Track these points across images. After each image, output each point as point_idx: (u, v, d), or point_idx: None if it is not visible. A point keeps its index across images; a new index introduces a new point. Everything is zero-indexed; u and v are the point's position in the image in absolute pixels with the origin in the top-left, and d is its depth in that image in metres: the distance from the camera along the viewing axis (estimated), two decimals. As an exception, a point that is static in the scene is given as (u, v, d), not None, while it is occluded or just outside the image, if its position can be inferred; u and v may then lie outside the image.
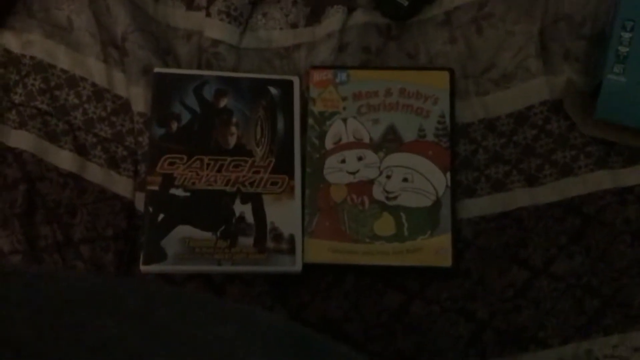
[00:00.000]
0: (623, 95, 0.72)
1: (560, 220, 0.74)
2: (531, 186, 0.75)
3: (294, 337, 0.52)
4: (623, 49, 0.73)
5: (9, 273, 0.51)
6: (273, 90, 0.78)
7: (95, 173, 0.77)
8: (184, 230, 0.72)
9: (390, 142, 0.76)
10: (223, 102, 0.77)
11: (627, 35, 0.73)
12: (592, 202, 0.74)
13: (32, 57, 0.80)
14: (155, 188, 0.73)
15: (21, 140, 0.77)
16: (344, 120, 0.77)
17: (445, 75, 0.78)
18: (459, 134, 0.78)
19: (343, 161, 0.76)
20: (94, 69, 0.80)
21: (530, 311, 0.72)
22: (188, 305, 0.51)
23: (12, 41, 0.81)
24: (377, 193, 0.75)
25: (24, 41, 0.80)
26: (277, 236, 0.73)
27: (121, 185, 0.77)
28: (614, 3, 0.77)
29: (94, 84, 0.80)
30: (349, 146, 0.77)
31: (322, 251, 0.74)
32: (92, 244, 0.75)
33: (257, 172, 0.75)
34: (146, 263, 0.71)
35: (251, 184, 0.74)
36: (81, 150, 0.78)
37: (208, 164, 0.74)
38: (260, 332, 0.50)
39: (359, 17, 0.82)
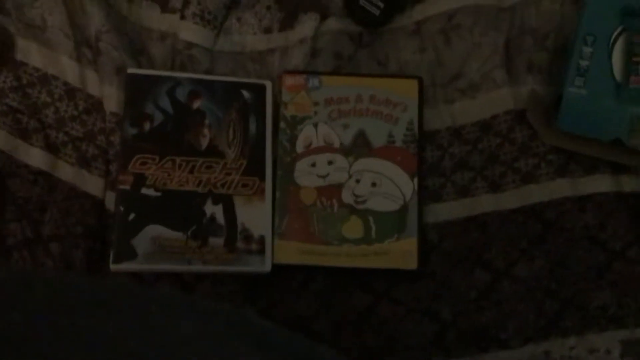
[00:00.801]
0: (583, 107, 0.75)
1: (522, 225, 0.77)
2: (495, 192, 0.78)
3: (282, 335, 0.54)
4: (584, 63, 0.76)
5: (3, 275, 0.51)
6: (246, 93, 0.79)
7: (66, 171, 0.78)
8: (154, 230, 0.72)
9: (360, 147, 0.78)
10: (196, 104, 0.78)
11: (587, 50, 0.76)
12: (552, 209, 0.77)
13: (4, 54, 0.80)
14: (127, 187, 0.74)
15: (-9, 137, 0.77)
16: (315, 125, 0.79)
17: (414, 83, 0.80)
18: (426, 141, 0.80)
19: (313, 165, 0.78)
20: (67, 68, 0.80)
21: (492, 312, 0.74)
22: (178, 305, 0.53)
23: (-17, 38, 0.80)
24: (346, 197, 0.77)
25: (-4, 38, 0.80)
26: (248, 237, 0.74)
27: (92, 183, 0.77)
28: (576, 18, 0.80)
29: (66, 83, 0.80)
30: (320, 150, 0.78)
31: (292, 252, 0.75)
32: (62, 241, 0.75)
33: (229, 174, 0.76)
34: (116, 262, 0.71)
35: (223, 185, 0.75)
36: (52, 148, 0.78)
37: (180, 165, 0.75)
38: (249, 331, 0.52)
39: (332, 24, 0.83)
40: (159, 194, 0.74)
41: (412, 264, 0.75)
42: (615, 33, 0.76)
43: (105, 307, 0.50)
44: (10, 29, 0.81)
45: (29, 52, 0.80)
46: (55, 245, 0.74)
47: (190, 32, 0.82)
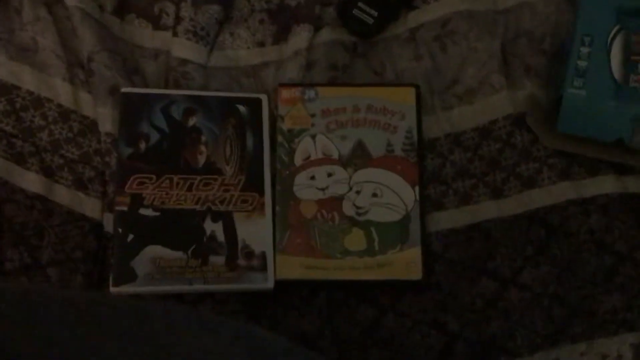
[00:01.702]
0: (583, 108, 0.75)
1: (526, 231, 0.76)
2: (497, 198, 0.77)
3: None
4: (582, 63, 0.75)
5: (2, 291, 0.50)
6: (242, 108, 0.79)
7: (63, 194, 0.77)
8: (154, 250, 0.71)
9: (359, 157, 0.77)
10: (192, 121, 0.77)
11: (585, 50, 0.75)
12: (556, 213, 0.76)
13: (-4, 79, 0.79)
14: (124, 208, 0.73)
15: (-14, 162, 0.76)
16: (313, 137, 0.78)
17: (411, 91, 0.79)
18: (426, 149, 0.79)
19: (312, 177, 0.77)
20: (60, 90, 0.80)
21: (500, 321, 0.73)
22: (180, 320, 0.52)
23: (-25, 63, 0.80)
24: (347, 208, 0.76)
25: (-12, 63, 0.80)
26: (249, 254, 0.73)
27: (89, 206, 0.76)
28: (572, 19, 0.80)
29: (60, 105, 0.79)
30: (318, 162, 0.77)
31: (294, 267, 0.74)
32: (60, 266, 0.74)
33: (227, 190, 0.75)
34: (116, 284, 0.70)
35: (221, 202, 0.74)
36: (48, 172, 0.77)
37: (178, 183, 0.74)
38: (256, 345, 0.51)
39: (326, 35, 0.83)
40: (157, 213, 0.73)
41: (416, 274, 0.74)
42: (612, 32, 0.76)
43: (107, 326, 0.49)
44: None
45: (21, 75, 0.80)
46: (54, 270, 0.73)
47: (183, 48, 0.81)
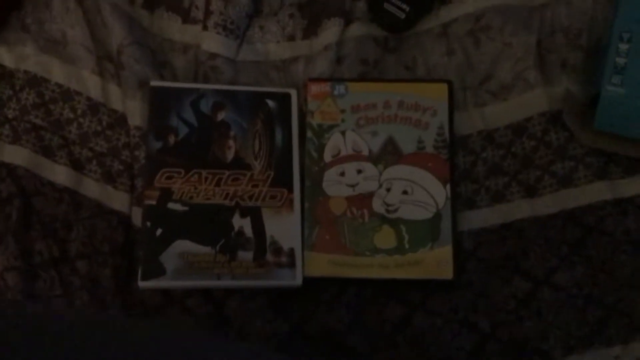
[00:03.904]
0: (622, 106, 0.72)
1: (561, 231, 0.74)
2: (531, 197, 0.75)
3: None
4: (621, 60, 0.73)
5: (7, 314, 0.49)
6: (271, 103, 0.78)
7: (91, 188, 0.76)
8: (182, 245, 0.71)
9: (389, 154, 0.76)
10: (221, 116, 0.76)
11: (624, 47, 0.73)
12: (592, 213, 0.74)
13: (26, 72, 0.79)
14: (153, 202, 0.72)
15: (15, 155, 0.76)
16: (343, 133, 0.77)
17: (444, 87, 0.78)
18: (458, 146, 0.77)
19: (342, 174, 0.76)
20: (89, 83, 0.79)
21: (533, 322, 0.71)
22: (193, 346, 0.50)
23: (5, 55, 0.80)
24: (377, 206, 0.74)
25: (18, 55, 0.80)
26: (277, 250, 0.72)
27: (117, 199, 0.76)
28: (610, 14, 0.78)
29: (89, 98, 0.79)
30: (348, 159, 0.76)
31: (323, 264, 0.73)
32: (89, 259, 0.73)
33: (256, 186, 0.74)
34: (144, 279, 0.69)
35: (250, 197, 0.74)
36: (76, 165, 0.77)
37: (206, 178, 0.74)
38: None
39: (356, 29, 0.81)
40: (186, 208, 0.72)
41: (447, 273, 0.72)
42: (652, 29, 0.74)
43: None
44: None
45: (50, 68, 0.79)
46: (82, 263, 0.73)
47: (212, 42, 0.80)
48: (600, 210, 0.74)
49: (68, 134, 0.78)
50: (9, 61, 0.79)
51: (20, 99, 0.78)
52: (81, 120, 0.78)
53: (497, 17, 0.80)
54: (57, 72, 0.79)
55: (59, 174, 0.76)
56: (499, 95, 0.78)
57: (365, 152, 0.76)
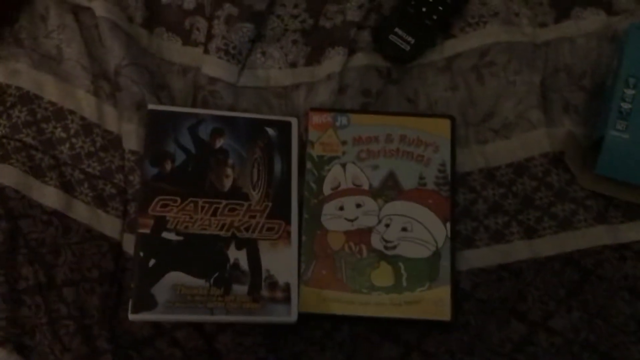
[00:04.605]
0: (625, 151, 0.72)
1: (559, 274, 0.73)
2: (530, 238, 0.75)
3: None
4: (626, 106, 0.73)
5: None
6: (271, 131, 0.76)
7: (81, 211, 0.74)
8: (175, 277, 0.69)
9: (389, 189, 0.75)
10: (219, 143, 0.74)
11: (630, 92, 0.73)
12: (590, 257, 0.74)
13: (18, 88, 0.76)
14: (147, 231, 0.70)
15: (4, 174, 0.73)
16: (343, 166, 0.76)
17: (447, 122, 0.77)
18: (458, 183, 0.76)
19: (341, 208, 0.74)
20: (84, 102, 0.77)
21: (529, 367, 0.71)
22: None
23: (-4, 70, 0.77)
24: (376, 242, 0.73)
25: (10, 70, 0.77)
26: (272, 284, 0.70)
27: (108, 225, 0.74)
28: (614, 57, 0.78)
29: (82, 118, 0.77)
30: (348, 192, 0.75)
31: (318, 301, 0.71)
32: (77, 286, 0.71)
33: (253, 217, 0.72)
34: (135, 311, 0.67)
35: (247, 229, 0.72)
36: (67, 187, 0.74)
37: (202, 207, 0.72)
38: None
39: (360, 59, 0.80)
40: (180, 238, 0.70)
41: (445, 314, 0.71)
42: (658, 74, 0.74)
43: None
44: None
45: (43, 85, 0.77)
46: (69, 290, 0.71)
47: (213, 66, 0.78)
48: (599, 254, 0.74)
49: (60, 154, 0.75)
50: (0, 76, 0.77)
51: (11, 116, 0.76)
52: (74, 140, 0.76)
53: (501, 54, 0.80)
54: (50, 90, 0.77)
55: (49, 195, 0.73)
56: (501, 133, 0.78)
57: (366, 186, 0.75)
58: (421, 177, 0.75)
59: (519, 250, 0.74)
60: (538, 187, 0.76)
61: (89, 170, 0.75)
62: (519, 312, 0.72)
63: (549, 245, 0.74)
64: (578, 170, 0.76)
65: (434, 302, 0.71)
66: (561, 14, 0.82)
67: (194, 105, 0.78)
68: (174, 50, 0.81)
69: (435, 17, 0.80)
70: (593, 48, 0.80)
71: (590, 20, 0.81)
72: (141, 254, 0.69)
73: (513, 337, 0.72)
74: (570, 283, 0.73)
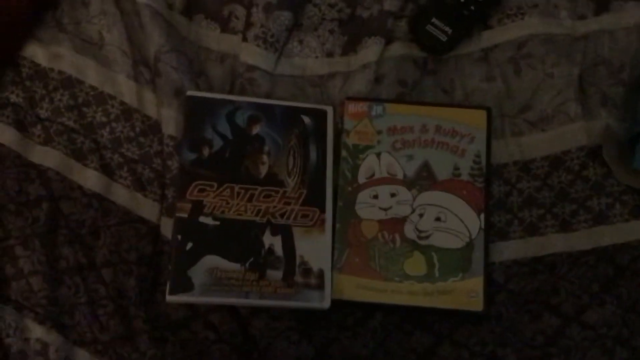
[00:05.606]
0: (664, 146, 0.72)
1: (593, 268, 0.73)
2: (565, 232, 0.74)
3: None
4: (666, 101, 0.72)
5: None
6: (306, 119, 0.77)
7: (121, 194, 0.75)
8: (212, 261, 0.70)
9: (424, 179, 0.75)
10: (255, 129, 0.75)
11: (670, 86, 0.72)
12: (625, 252, 0.73)
13: (60, 72, 0.78)
14: (185, 215, 0.71)
15: (46, 157, 0.75)
16: (378, 155, 0.76)
17: (483, 114, 0.77)
18: (493, 175, 0.76)
19: (375, 197, 0.75)
20: (124, 87, 0.78)
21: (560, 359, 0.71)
22: None
23: (39, 54, 0.78)
24: (409, 231, 0.74)
25: (53, 54, 0.78)
26: (306, 270, 0.71)
27: (147, 208, 0.75)
28: (655, 52, 0.77)
29: (122, 103, 0.78)
30: (382, 181, 0.75)
31: (351, 288, 0.72)
32: (115, 267, 0.72)
33: (288, 204, 0.73)
34: (172, 293, 0.69)
35: (282, 215, 0.73)
36: (107, 170, 0.76)
37: (238, 193, 0.73)
38: None
39: (396, 49, 0.80)
40: (217, 222, 0.71)
41: (477, 305, 0.71)
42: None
43: None
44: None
45: (85, 69, 0.78)
46: (108, 271, 0.72)
47: (251, 54, 0.79)
48: (634, 249, 0.73)
49: (100, 138, 0.77)
50: (42, 60, 0.78)
51: (53, 100, 0.77)
52: (114, 124, 0.77)
53: (539, 46, 0.79)
54: (91, 74, 0.78)
55: (89, 178, 0.75)
56: (538, 126, 0.78)
57: (400, 176, 0.75)
58: (456, 168, 0.75)
59: (554, 243, 0.74)
60: (574, 180, 0.76)
61: (129, 154, 0.77)
62: (552, 306, 0.72)
63: (583, 239, 0.74)
64: (615, 164, 0.75)
65: (466, 293, 0.72)
66: (601, 6, 0.81)
67: (231, 92, 0.79)
68: (212, 37, 0.82)
69: (473, 7, 0.80)
70: (632, 42, 0.79)
71: (631, 14, 0.80)
72: (179, 237, 0.70)
73: (546, 330, 0.72)
74: (604, 277, 0.73)
